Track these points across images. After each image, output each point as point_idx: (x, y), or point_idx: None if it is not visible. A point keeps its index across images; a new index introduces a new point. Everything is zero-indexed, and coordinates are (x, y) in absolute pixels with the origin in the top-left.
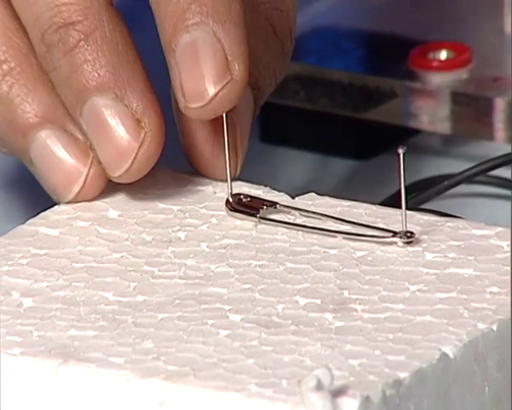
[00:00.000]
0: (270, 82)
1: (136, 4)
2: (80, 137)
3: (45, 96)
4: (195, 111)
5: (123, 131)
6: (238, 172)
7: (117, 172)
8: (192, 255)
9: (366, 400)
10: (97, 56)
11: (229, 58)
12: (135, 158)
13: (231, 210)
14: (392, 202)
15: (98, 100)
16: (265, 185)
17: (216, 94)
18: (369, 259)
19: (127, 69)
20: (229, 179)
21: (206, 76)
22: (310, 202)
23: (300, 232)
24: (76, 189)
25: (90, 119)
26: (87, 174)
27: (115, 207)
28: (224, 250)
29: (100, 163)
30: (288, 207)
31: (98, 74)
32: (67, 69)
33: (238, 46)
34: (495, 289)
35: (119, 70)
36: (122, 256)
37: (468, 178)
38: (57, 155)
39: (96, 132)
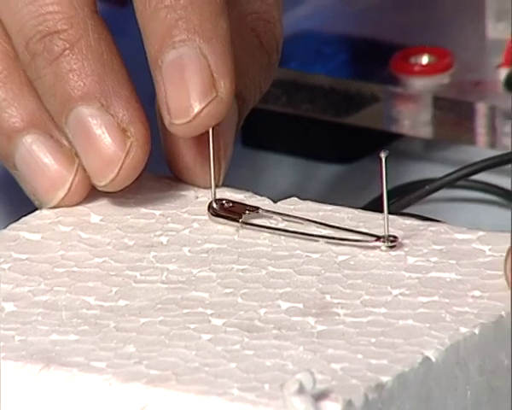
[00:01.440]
0: (254, 93)
1: (119, 11)
2: (66, 143)
3: (32, 100)
4: (180, 128)
5: (109, 141)
6: (221, 183)
7: (103, 182)
8: (174, 260)
9: (348, 404)
10: (83, 65)
11: (215, 75)
12: (121, 168)
13: (214, 215)
14: (375, 206)
15: (84, 109)
16: (248, 190)
17: (201, 110)
18: (352, 263)
19: (112, 78)
20: (212, 186)
21: (192, 92)
22: (292, 207)
23: (282, 237)
24: (61, 195)
25: (75, 128)
26: (72, 181)
27: (97, 211)
28: (206, 255)
29: (85, 170)
30: (270, 211)
31: (84, 83)
32: (52, 78)
33: (224, 63)
34: (477, 293)
35: (105, 79)
36: (104, 261)
37: (450, 182)
38: (42, 161)
39: (82, 142)
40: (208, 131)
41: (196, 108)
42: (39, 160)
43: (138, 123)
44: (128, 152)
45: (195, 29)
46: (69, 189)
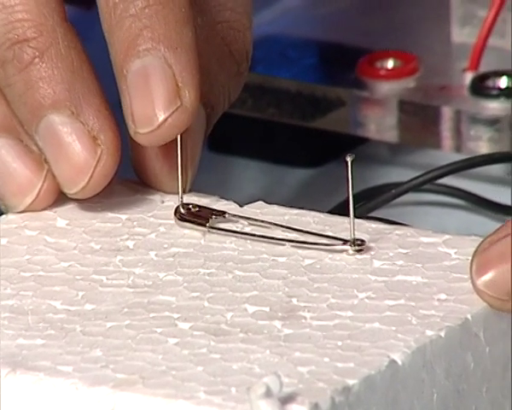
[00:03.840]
0: (223, 101)
1: (85, 14)
2: (35, 148)
3: (2, 104)
4: (144, 137)
5: (79, 149)
6: (188, 189)
7: (73, 190)
8: (140, 264)
9: (315, 407)
10: (53, 73)
11: (180, 85)
12: (91, 176)
13: (180, 220)
14: (341, 210)
15: (54, 117)
16: (214, 194)
17: (165, 120)
18: (318, 267)
19: (83, 86)
20: (180, 190)
21: (156, 102)
22: (258, 211)
23: (249, 241)
24: (28, 200)
25: (46, 136)
26: (41, 187)
27: (63, 216)
28: (172, 259)
29: (54, 176)
30: (236, 216)
31: (54, 91)
32: (22, 86)
33: (189, 73)
34: (443, 296)
35: (75, 87)
36: (70, 265)
37: (416, 186)
38: (11, 165)
39: (53, 150)
40: (176, 139)
41: (161, 117)
42: (8, 164)
43: (109, 131)
44: (99, 160)
45: (160, 38)
46: (37, 195)
